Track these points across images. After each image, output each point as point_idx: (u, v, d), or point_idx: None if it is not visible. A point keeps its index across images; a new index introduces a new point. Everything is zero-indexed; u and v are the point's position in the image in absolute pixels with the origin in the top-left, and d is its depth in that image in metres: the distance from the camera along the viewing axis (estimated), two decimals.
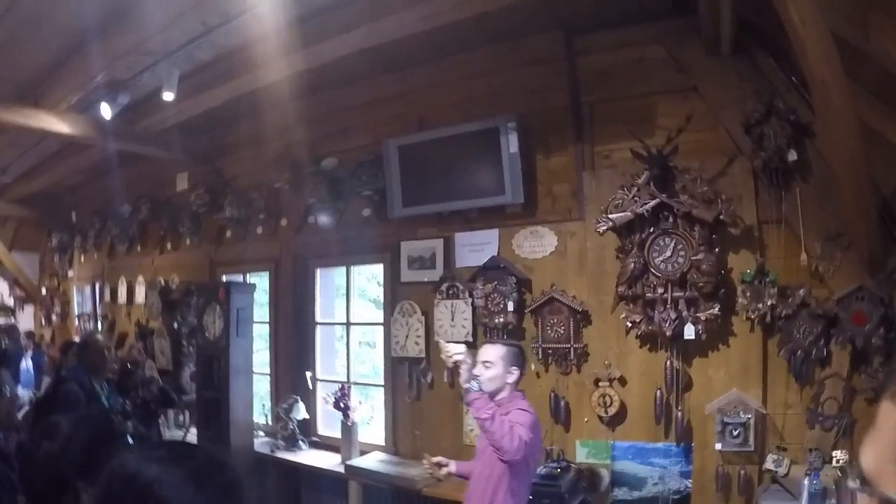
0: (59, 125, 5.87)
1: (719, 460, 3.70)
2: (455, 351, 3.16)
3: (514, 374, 3.30)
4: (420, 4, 3.77)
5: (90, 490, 1.81)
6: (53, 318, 11.01)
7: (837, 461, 3.14)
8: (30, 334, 10.34)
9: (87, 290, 9.89)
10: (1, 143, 7.03)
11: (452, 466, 3.49)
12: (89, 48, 4.65)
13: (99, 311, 9.49)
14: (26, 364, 8.38)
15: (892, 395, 0.58)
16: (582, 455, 4.14)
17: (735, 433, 3.57)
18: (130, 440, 4.18)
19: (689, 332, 3.72)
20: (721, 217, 3.61)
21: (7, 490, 2.45)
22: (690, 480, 3.84)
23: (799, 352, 3.52)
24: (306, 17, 4.12)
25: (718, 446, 3.62)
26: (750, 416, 3.56)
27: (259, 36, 4.21)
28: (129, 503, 1.23)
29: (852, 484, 0.60)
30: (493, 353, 3.30)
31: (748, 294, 3.62)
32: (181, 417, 6.43)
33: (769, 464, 3.53)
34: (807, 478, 3.13)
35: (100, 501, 1.31)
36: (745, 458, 3.63)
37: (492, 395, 3.19)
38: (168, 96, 4.80)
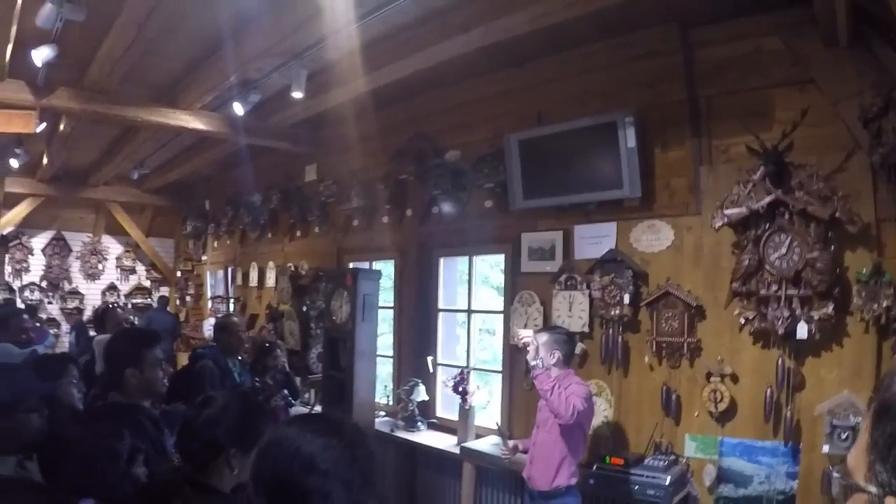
0: (194, 123, 6.74)
1: (826, 463, 3.73)
2: (524, 334, 4.22)
3: (556, 357, 4.11)
4: (532, 5, 4.09)
5: (242, 458, 2.20)
6: (188, 299, 12.20)
7: None
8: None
9: (220, 273, 10.94)
10: (140, 138, 7.94)
11: (521, 445, 4.46)
12: (223, 52, 5.32)
13: (231, 294, 10.46)
14: None
15: (871, 403, 0.71)
16: (690, 449, 4.38)
17: (843, 436, 3.58)
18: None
19: (802, 331, 3.84)
20: (837, 215, 3.71)
21: (159, 452, 2.91)
22: (796, 482, 3.96)
23: None
24: (426, 17, 4.62)
25: (826, 449, 3.67)
26: (860, 419, 3.44)
27: (382, 36, 4.77)
28: (295, 473, 1.47)
29: (836, 475, 0.78)
30: (537, 339, 4.17)
31: (863, 294, 3.66)
32: (307, 395, 7.14)
33: None
34: None
35: (265, 472, 1.53)
36: None
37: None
38: (297, 94, 5.44)
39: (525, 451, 4.38)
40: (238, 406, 2.34)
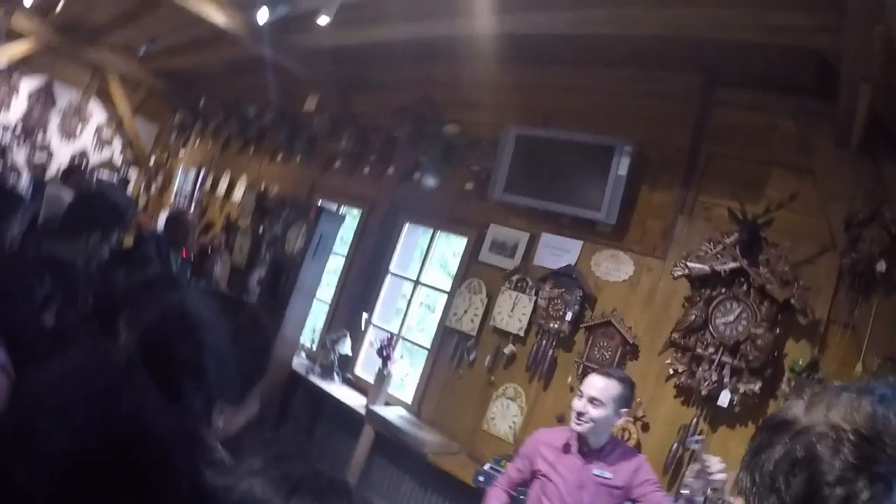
0: (215, 14, 6.29)
1: None
2: (720, 469, 2.60)
3: (621, 419, 3.29)
4: (573, 10, 4.03)
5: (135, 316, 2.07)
6: (153, 188, 11.87)
7: None
8: None
9: (192, 173, 10.61)
10: (157, 14, 7.61)
11: None
12: None
13: (196, 196, 10.23)
14: None
15: None
16: None
17: None
18: None
19: (725, 398, 3.81)
20: (793, 301, 3.70)
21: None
22: None
23: None
24: None
25: None
26: None
27: None
28: (173, 339, 1.36)
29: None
30: (605, 390, 3.10)
31: (793, 384, 3.65)
32: None
33: None
34: None
35: (150, 329, 1.41)
36: None
37: (598, 445, 3.20)
38: (323, 20, 5.23)
39: None
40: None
